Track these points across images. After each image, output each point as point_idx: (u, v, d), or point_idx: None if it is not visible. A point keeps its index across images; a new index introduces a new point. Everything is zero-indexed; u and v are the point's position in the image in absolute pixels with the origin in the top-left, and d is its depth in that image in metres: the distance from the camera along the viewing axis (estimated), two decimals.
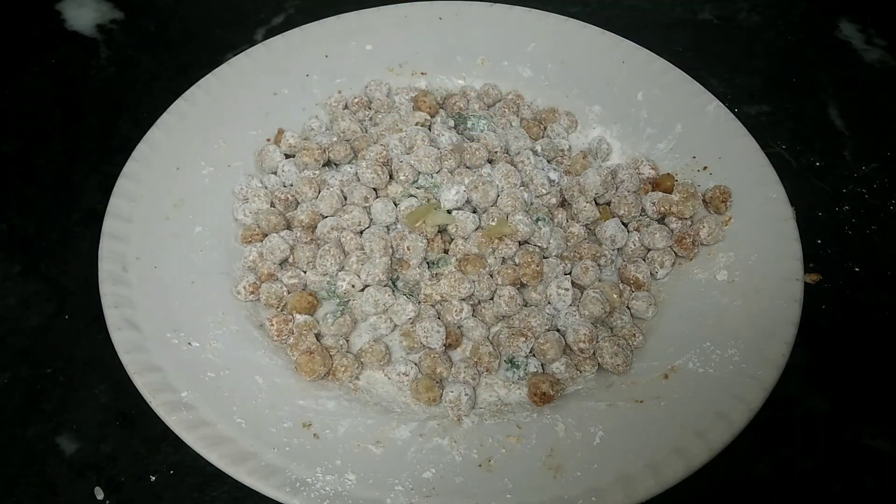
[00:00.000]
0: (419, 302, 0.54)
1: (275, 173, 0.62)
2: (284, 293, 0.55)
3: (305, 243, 0.57)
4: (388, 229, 0.56)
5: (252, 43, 0.71)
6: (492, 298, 0.55)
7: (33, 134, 0.70)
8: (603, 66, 0.67)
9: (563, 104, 0.68)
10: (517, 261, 0.55)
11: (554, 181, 0.59)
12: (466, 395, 0.49)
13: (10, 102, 0.72)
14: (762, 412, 0.46)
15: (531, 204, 0.57)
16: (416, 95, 0.67)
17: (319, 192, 0.59)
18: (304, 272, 0.56)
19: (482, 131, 0.62)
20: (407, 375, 0.51)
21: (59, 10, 0.80)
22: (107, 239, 0.53)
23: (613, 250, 0.57)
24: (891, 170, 0.68)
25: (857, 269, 0.61)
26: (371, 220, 0.57)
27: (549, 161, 0.62)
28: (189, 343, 0.50)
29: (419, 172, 0.58)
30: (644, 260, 0.57)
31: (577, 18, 0.70)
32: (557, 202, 0.59)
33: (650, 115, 0.65)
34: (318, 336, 0.53)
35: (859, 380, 0.55)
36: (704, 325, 0.52)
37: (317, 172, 0.61)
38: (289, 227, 0.59)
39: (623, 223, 0.58)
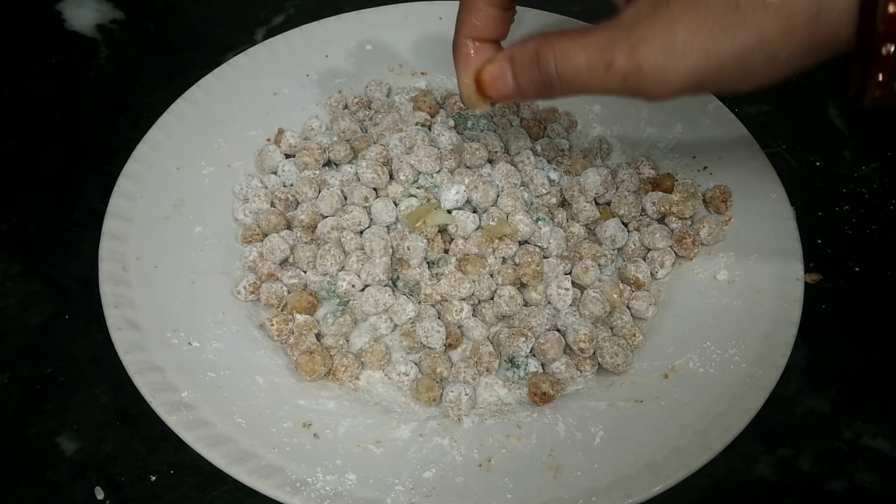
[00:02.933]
0: (419, 302, 0.54)
1: (275, 173, 0.62)
2: (284, 293, 0.55)
3: (305, 243, 0.57)
4: (389, 229, 0.56)
5: (252, 43, 0.71)
6: (492, 298, 0.55)
7: (33, 134, 0.70)
8: None
9: (563, 104, 0.68)
10: (517, 261, 0.55)
11: (554, 181, 0.59)
12: (466, 395, 0.49)
13: (10, 102, 0.72)
14: (762, 412, 0.46)
15: (531, 204, 0.57)
16: (416, 95, 0.67)
17: (319, 192, 0.59)
18: (305, 272, 0.56)
19: (482, 131, 0.62)
20: (407, 375, 0.51)
21: (59, 10, 0.80)
22: (107, 239, 0.53)
23: (613, 250, 0.57)
24: (891, 170, 0.68)
25: (857, 269, 0.61)
26: (371, 220, 0.57)
27: (549, 161, 0.62)
28: (189, 343, 0.50)
29: (419, 172, 0.58)
30: (644, 260, 0.57)
31: (577, 18, 0.70)
32: (557, 202, 0.59)
33: (650, 115, 0.65)
34: (318, 336, 0.54)
35: (859, 380, 0.55)
36: (704, 325, 0.52)
37: (317, 172, 0.61)
38: (289, 227, 0.59)
39: (623, 223, 0.58)
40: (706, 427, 0.46)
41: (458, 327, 0.54)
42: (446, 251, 0.56)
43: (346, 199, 0.59)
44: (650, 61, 0.35)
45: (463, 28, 0.46)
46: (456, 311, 0.53)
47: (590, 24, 0.66)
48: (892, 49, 0.32)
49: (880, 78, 0.34)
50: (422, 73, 0.70)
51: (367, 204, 0.57)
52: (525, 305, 0.54)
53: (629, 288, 0.55)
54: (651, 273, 0.56)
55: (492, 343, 0.53)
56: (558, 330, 0.53)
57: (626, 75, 0.35)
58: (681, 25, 0.34)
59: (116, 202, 0.56)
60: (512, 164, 0.58)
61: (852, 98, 0.36)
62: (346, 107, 0.67)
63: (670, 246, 0.57)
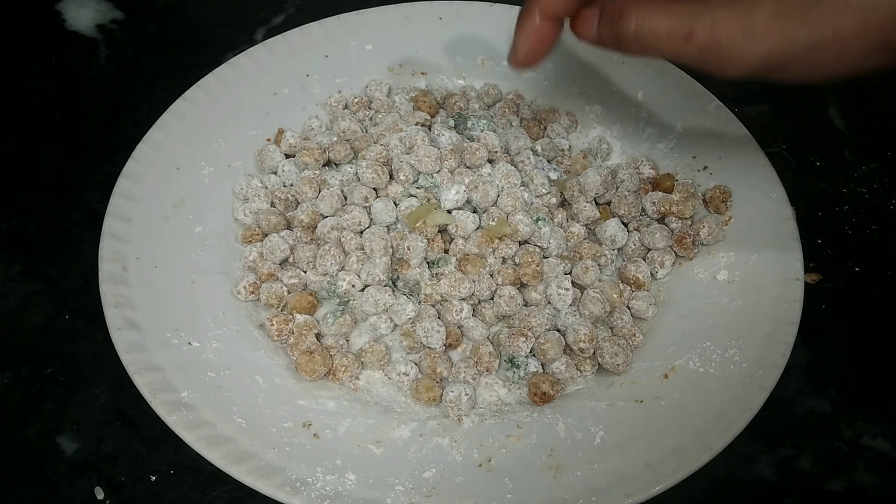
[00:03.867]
0: (419, 302, 0.54)
1: (275, 173, 0.62)
2: (284, 293, 0.55)
3: (305, 243, 0.57)
4: (389, 229, 0.56)
5: (252, 43, 0.71)
6: (492, 298, 0.55)
7: (33, 134, 0.70)
8: (603, 66, 0.67)
9: (563, 104, 0.68)
10: (517, 261, 0.55)
11: (554, 181, 0.59)
12: (466, 394, 0.49)
13: (10, 102, 0.72)
14: (762, 412, 0.46)
15: (531, 204, 0.57)
16: (416, 95, 0.67)
17: (319, 192, 0.59)
18: (305, 272, 0.56)
19: (482, 131, 0.62)
20: (407, 375, 0.51)
21: (59, 10, 0.80)
22: (107, 239, 0.53)
23: (613, 250, 0.57)
24: (891, 170, 0.68)
25: (857, 269, 0.61)
26: (371, 220, 0.57)
27: (549, 161, 0.62)
28: (189, 343, 0.50)
29: (419, 172, 0.58)
30: (644, 260, 0.57)
31: None
32: (557, 202, 0.59)
33: (650, 115, 0.65)
34: (318, 336, 0.54)
35: (859, 380, 0.55)
36: (704, 325, 0.52)
37: (317, 172, 0.61)
38: (289, 227, 0.59)
39: (623, 223, 0.58)
40: (706, 427, 0.46)
41: (458, 327, 0.54)
42: (446, 251, 0.56)
43: (346, 199, 0.59)
44: (728, 38, 0.37)
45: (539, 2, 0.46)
46: (456, 311, 0.53)
47: None
48: None
49: None
50: (422, 73, 0.70)
51: (367, 204, 0.57)
52: (525, 305, 0.54)
53: (629, 288, 0.55)
54: (651, 273, 0.56)
55: (492, 343, 0.53)
56: (558, 330, 0.53)
57: (703, 48, 0.38)
58: (763, 9, 0.36)
59: (116, 202, 0.56)
60: (512, 164, 0.58)
61: None
62: (346, 107, 0.67)
63: (670, 246, 0.57)
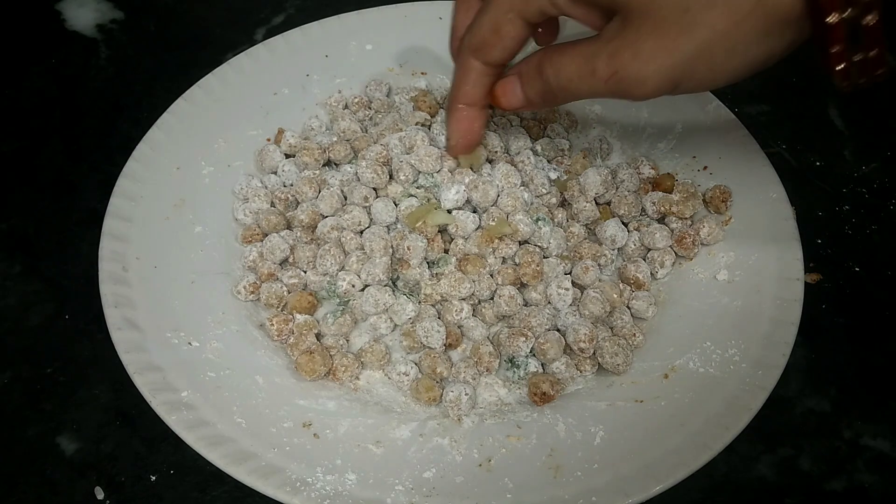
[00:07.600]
0: (419, 302, 0.54)
1: (275, 173, 0.62)
2: (284, 293, 0.55)
3: (305, 243, 0.57)
4: (389, 229, 0.56)
5: (252, 43, 0.71)
6: (492, 298, 0.55)
7: (33, 134, 0.70)
8: None
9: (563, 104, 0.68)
10: (517, 261, 0.55)
11: (554, 181, 0.59)
12: (466, 394, 0.49)
13: (10, 102, 0.72)
14: (762, 412, 0.46)
15: (531, 204, 0.57)
16: (416, 95, 0.67)
17: (319, 191, 0.59)
18: (305, 272, 0.56)
19: None
20: (407, 375, 0.51)
21: (59, 10, 0.80)
22: (107, 239, 0.53)
23: (613, 250, 0.57)
24: (891, 170, 0.68)
25: (857, 269, 0.61)
26: (371, 219, 0.57)
27: (549, 161, 0.62)
28: (189, 343, 0.50)
29: (419, 172, 0.58)
30: (644, 260, 0.57)
31: None
32: (557, 202, 0.59)
33: (650, 115, 0.65)
34: (318, 336, 0.54)
35: (859, 380, 0.55)
36: (704, 325, 0.52)
37: (317, 172, 0.61)
38: (289, 226, 0.59)
39: (623, 223, 0.58)
40: (706, 427, 0.46)
41: (458, 327, 0.54)
42: (446, 251, 0.56)
43: (346, 199, 0.59)
44: (624, 67, 0.40)
45: (458, 95, 0.51)
46: (456, 311, 0.53)
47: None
48: (838, 17, 0.33)
49: (835, 49, 0.35)
50: (422, 73, 0.70)
51: (367, 204, 0.57)
52: (525, 305, 0.54)
53: (629, 288, 0.55)
54: (651, 273, 0.56)
55: (492, 343, 0.53)
56: (558, 330, 0.53)
57: (608, 80, 0.41)
58: (644, 33, 0.38)
59: (116, 202, 0.56)
60: (512, 164, 0.58)
61: (837, 88, 0.38)
62: (346, 107, 0.67)
63: (670, 246, 0.57)
